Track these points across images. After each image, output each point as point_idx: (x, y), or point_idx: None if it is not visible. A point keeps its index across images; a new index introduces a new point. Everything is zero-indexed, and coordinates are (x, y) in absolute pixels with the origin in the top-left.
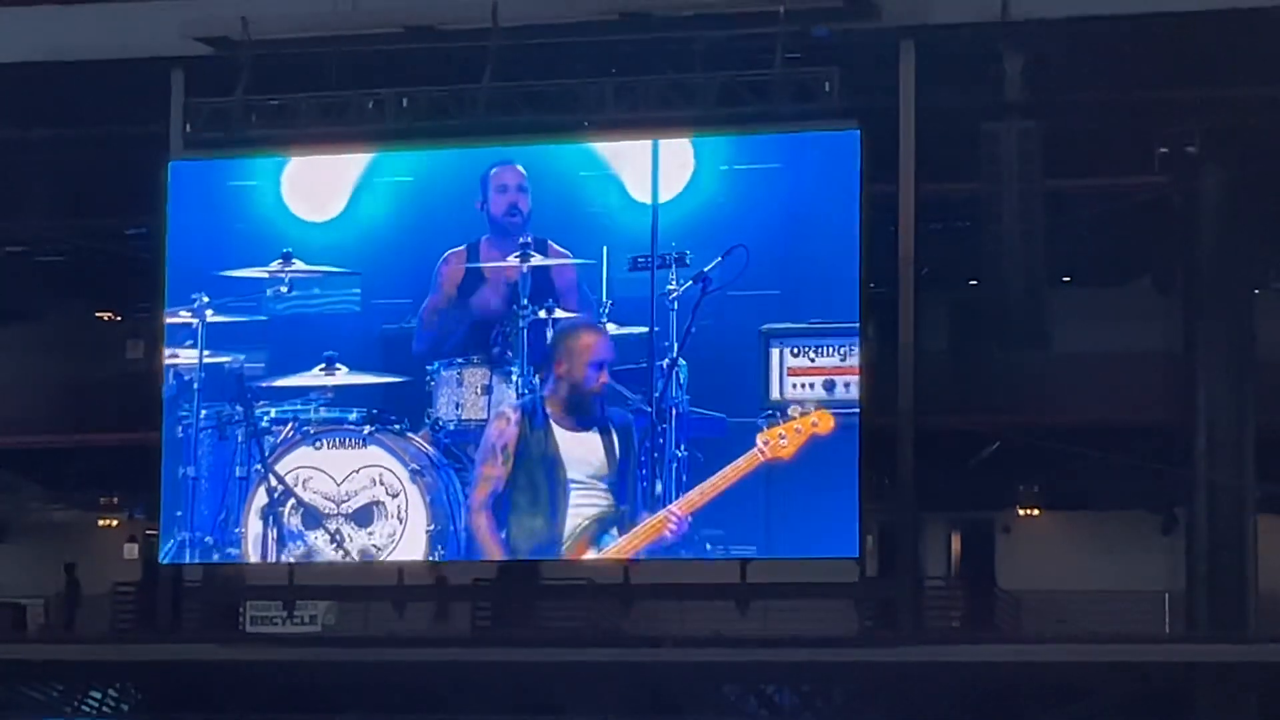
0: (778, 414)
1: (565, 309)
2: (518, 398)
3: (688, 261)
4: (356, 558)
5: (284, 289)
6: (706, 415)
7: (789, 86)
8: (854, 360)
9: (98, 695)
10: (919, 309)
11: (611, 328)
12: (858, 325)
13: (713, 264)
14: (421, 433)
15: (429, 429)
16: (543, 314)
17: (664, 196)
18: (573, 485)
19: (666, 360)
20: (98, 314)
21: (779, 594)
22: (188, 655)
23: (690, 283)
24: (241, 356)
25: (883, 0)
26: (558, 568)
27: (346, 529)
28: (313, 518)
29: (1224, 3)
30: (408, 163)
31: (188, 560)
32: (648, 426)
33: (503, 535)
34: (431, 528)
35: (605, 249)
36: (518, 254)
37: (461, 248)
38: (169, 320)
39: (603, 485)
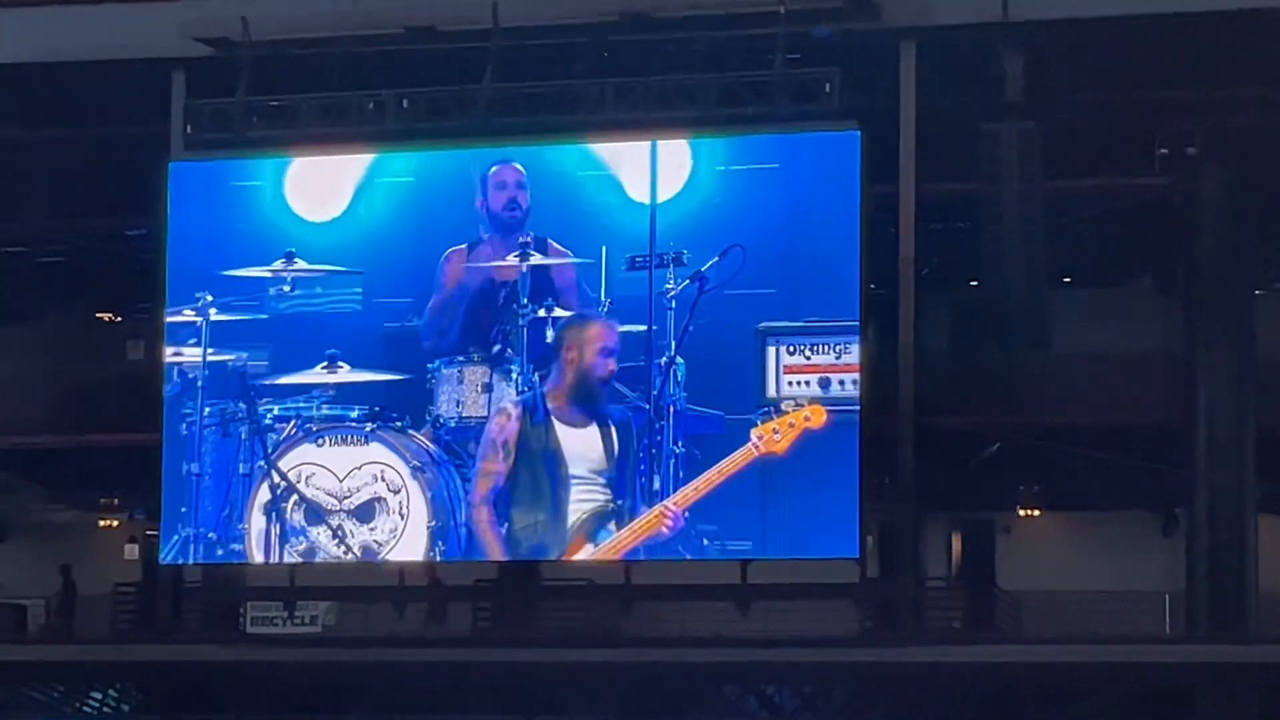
0: (773, 411)
1: (565, 308)
2: (518, 394)
3: (685, 261)
4: (358, 553)
5: (286, 288)
6: (704, 412)
7: (789, 87)
8: (849, 358)
9: (98, 696)
10: (919, 309)
11: None
12: (853, 323)
13: (709, 263)
14: (423, 430)
15: (430, 426)
16: (542, 313)
17: (662, 197)
18: (573, 480)
19: (664, 358)
20: (98, 315)
21: (779, 594)
22: (188, 656)
23: (687, 282)
24: (245, 355)
25: (883, 0)
26: (558, 568)
27: (348, 525)
28: (315, 514)
29: (1224, 3)
30: (408, 163)
31: (191, 556)
32: (646, 423)
33: (503, 530)
34: (432, 524)
35: (604, 249)
36: (518, 253)
37: (462, 246)
38: (173, 319)
39: (601, 480)
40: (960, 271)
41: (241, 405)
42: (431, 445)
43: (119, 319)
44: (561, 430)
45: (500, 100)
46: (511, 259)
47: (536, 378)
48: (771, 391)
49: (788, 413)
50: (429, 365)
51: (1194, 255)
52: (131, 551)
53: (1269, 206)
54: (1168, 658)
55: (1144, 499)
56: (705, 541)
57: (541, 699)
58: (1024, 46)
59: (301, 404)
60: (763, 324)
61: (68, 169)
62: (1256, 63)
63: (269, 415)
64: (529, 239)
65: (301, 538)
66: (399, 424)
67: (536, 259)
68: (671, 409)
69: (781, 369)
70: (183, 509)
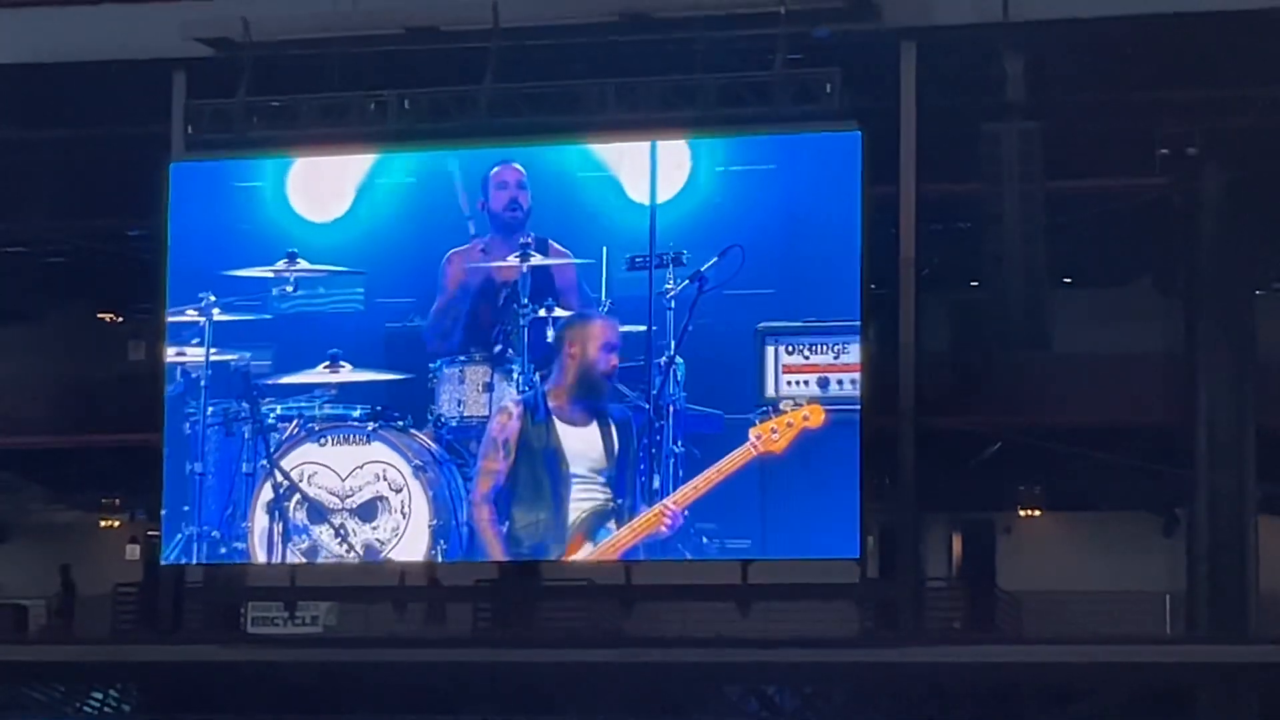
0: (771, 410)
1: (565, 308)
2: (519, 393)
3: (684, 261)
4: (360, 552)
5: (289, 288)
6: (703, 412)
7: (790, 87)
8: (848, 358)
9: (99, 696)
10: (920, 310)
11: None
12: (852, 323)
13: (709, 264)
14: (424, 429)
15: (431, 426)
16: (543, 312)
17: (662, 197)
18: (573, 479)
19: (664, 358)
20: (99, 315)
21: (780, 595)
22: (189, 656)
23: (687, 282)
24: (247, 354)
25: (883, 1)
26: (558, 568)
27: (350, 524)
28: (317, 512)
29: (1224, 3)
30: (410, 164)
31: (194, 555)
32: (646, 422)
33: (504, 528)
34: (434, 522)
35: (604, 249)
36: (518, 254)
37: (464, 247)
38: (176, 319)
39: (601, 479)
40: (960, 272)
41: (244, 405)
42: (433, 444)
43: (120, 319)
44: (562, 429)
45: (501, 101)
46: (512, 259)
47: (537, 377)
48: (770, 391)
49: (786, 412)
50: (430, 365)
51: (1194, 255)
52: (133, 552)
53: (1269, 206)
54: (1168, 658)
55: (1144, 499)
56: (704, 540)
57: (542, 699)
58: (1024, 47)
59: (304, 403)
60: (762, 324)
61: (69, 169)
62: (1256, 63)
63: (272, 415)
64: (530, 239)
65: (304, 536)
66: (401, 423)
67: (537, 259)
68: (671, 408)
69: (780, 369)
70: (186, 508)
